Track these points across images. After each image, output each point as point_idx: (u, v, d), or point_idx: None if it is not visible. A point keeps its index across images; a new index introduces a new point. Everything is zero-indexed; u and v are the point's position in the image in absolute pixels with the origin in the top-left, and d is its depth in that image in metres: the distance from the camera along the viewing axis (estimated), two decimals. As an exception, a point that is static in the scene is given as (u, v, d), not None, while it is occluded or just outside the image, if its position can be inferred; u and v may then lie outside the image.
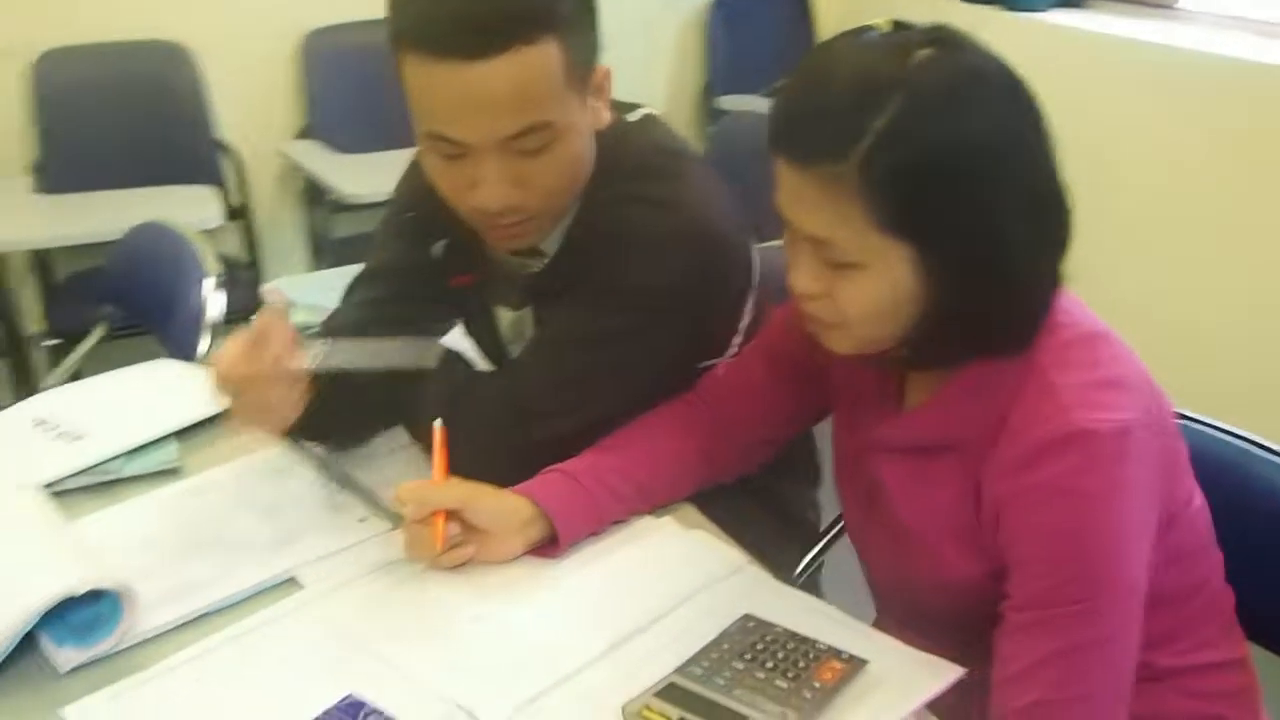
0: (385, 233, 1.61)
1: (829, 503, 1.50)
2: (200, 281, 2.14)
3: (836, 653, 1.10)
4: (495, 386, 1.45)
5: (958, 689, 1.10)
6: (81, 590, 1.14)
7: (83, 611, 1.16)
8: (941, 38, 1.05)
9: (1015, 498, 1.09)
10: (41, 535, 1.26)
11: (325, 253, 3.92)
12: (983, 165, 1.03)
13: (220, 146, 3.77)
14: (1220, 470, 1.32)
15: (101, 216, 3.00)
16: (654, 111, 1.51)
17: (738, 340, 1.50)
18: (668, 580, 1.26)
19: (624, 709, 1.04)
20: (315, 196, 3.85)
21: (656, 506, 1.40)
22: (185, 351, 2.07)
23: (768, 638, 1.13)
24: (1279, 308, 3.02)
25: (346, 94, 3.78)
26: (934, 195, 1.03)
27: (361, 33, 3.74)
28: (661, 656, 1.11)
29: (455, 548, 1.26)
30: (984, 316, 1.09)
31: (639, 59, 4.25)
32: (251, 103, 3.84)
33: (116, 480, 1.46)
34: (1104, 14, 3.65)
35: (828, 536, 1.70)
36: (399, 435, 1.54)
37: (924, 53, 1.03)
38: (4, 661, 1.13)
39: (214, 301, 2.11)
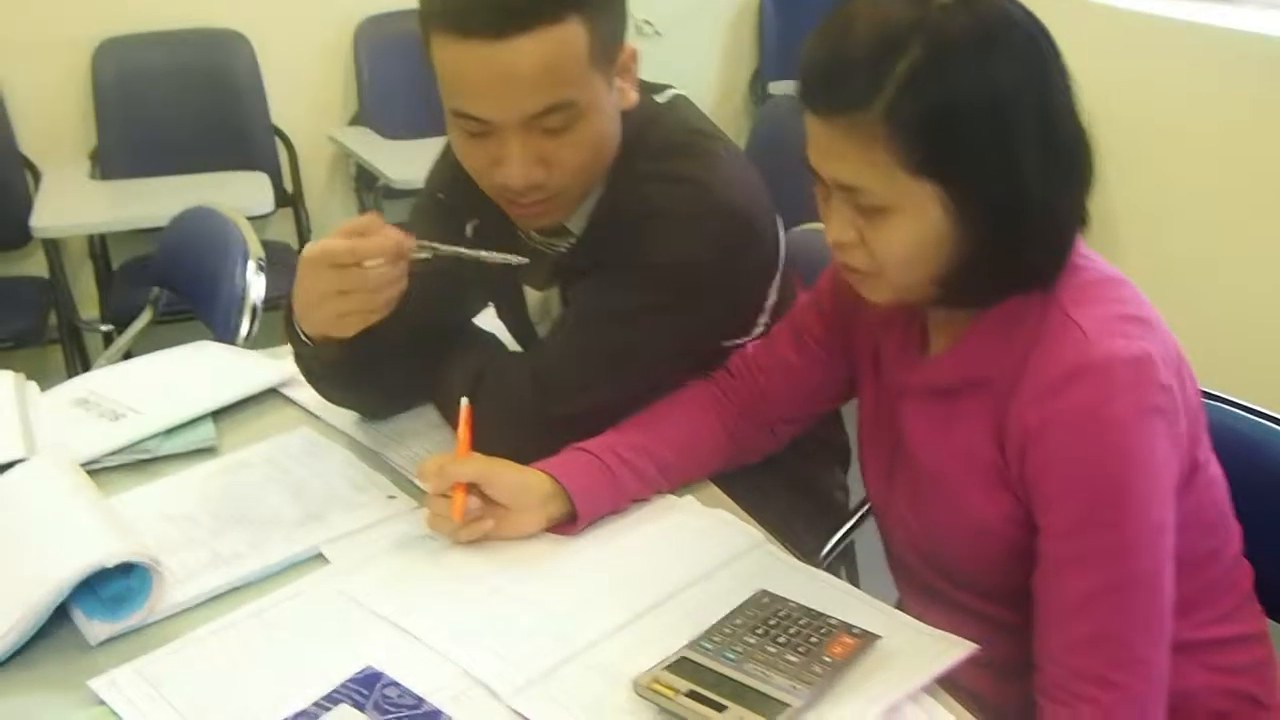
0: (417, 214, 1.63)
1: (858, 488, 1.50)
2: (243, 264, 2.17)
3: (848, 628, 1.11)
4: (521, 364, 1.46)
5: (970, 666, 1.10)
6: (112, 563, 1.16)
7: (113, 585, 1.18)
8: None
9: (1042, 426, 1.10)
10: (76, 510, 1.28)
11: (375, 239, 3.94)
12: (1004, 104, 1.05)
13: (275, 133, 3.82)
14: (1241, 447, 1.31)
15: (157, 202, 3.03)
16: (681, 92, 1.51)
17: (763, 319, 1.50)
18: (686, 557, 1.26)
19: (635, 682, 1.05)
20: (366, 183, 3.88)
21: (680, 485, 1.40)
22: (227, 334, 2.11)
23: (781, 613, 1.13)
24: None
25: (397, 81, 3.81)
26: (958, 136, 1.05)
27: (413, 20, 3.69)
28: (677, 631, 1.12)
29: (474, 522, 1.27)
30: (1013, 253, 1.11)
31: (693, 46, 4.24)
32: (305, 90, 3.90)
33: (154, 459, 1.49)
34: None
35: (855, 517, 1.70)
36: (430, 414, 1.56)
37: (944, 0, 1.05)
38: (37, 633, 1.15)
39: (255, 284, 2.15)
